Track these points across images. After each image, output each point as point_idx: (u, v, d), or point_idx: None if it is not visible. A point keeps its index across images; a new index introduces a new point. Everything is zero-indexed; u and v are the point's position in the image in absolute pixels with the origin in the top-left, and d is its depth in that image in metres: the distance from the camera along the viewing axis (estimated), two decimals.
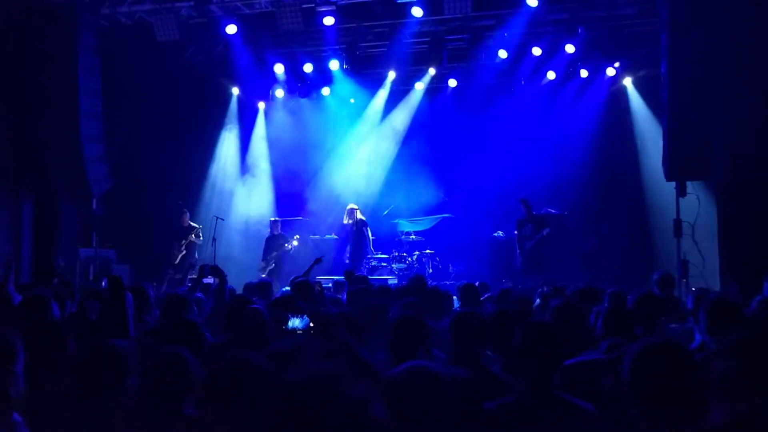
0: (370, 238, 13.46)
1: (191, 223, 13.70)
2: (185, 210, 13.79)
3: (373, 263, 13.51)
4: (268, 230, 14.02)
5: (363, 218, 13.36)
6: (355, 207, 13.38)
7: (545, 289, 7.82)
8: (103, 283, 5.39)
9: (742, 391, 2.41)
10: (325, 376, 2.31)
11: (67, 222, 11.88)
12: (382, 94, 15.21)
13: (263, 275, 13.02)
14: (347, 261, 13.01)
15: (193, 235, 13.49)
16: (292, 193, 15.35)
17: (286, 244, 13.66)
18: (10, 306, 5.25)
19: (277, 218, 14.19)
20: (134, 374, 2.96)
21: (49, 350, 3.39)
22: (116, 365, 2.83)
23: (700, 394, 2.35)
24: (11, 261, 8.96)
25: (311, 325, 4.31)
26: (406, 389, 2.29)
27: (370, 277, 11.64)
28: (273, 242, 13.74)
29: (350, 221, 13.21)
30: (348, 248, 13.36)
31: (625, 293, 6.03)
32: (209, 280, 7.31)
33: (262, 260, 13.65)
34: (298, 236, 13.91)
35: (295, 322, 4.49)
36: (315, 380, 2.28)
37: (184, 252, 13.41)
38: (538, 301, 6.21)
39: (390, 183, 15.26)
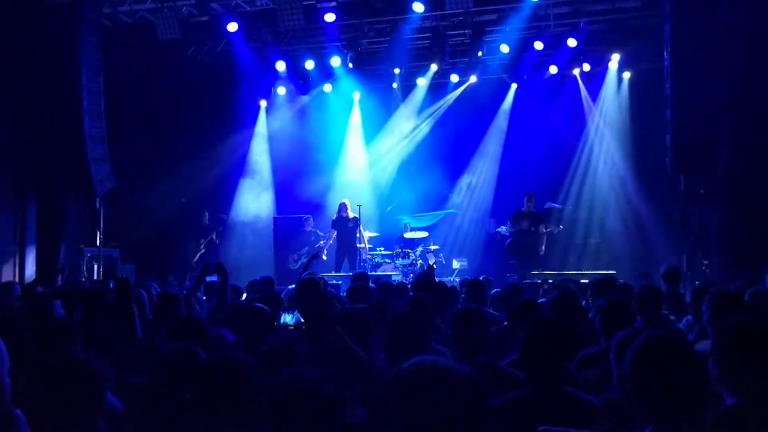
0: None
1: (210, 223, 13.83)
2: (205, 210, 13.92)
3: (376, 259, 13.49)
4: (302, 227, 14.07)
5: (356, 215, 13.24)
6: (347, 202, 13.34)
7: (545, 286, 7.84)
8: (111, 285, 5.36)
9: (742, 377, 2.41)
10: (305, 379, 2.30)
11: (71, 221, 11.91)
12: (385, 90, 15.18)
13: (295, 267, 13.21)
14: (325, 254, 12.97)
15: (214, 235, 13.54)
16: (294, 191, 15.33)
17: (324, 252, 13.52)
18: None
19: (309, 216, 14.18)
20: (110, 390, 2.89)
21: (50, 353, 3.37)
22: (89, 382, 2.75)
23: (702, 386, 2.34)
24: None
25: (302, 321, 4.31)
26: (415, 384, 2.29)
27: (372, 273, 11.68)
28: (306, 238, 13.86)
29: (348, 216, 13.18)
30: (336, 243, 13.34)
31: (632, 287, 6.02)
32: (213, 278, 7.30)
33: (294, 253, 13.85)
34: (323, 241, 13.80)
35: (286, 318, 4.49)
36: (294, 383, 2.28)
37: (203, 251, 13.48)
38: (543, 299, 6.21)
39: (393, 179, 15.24)
